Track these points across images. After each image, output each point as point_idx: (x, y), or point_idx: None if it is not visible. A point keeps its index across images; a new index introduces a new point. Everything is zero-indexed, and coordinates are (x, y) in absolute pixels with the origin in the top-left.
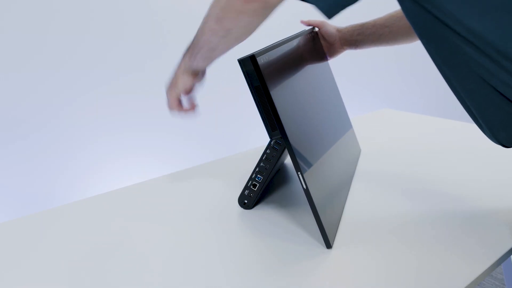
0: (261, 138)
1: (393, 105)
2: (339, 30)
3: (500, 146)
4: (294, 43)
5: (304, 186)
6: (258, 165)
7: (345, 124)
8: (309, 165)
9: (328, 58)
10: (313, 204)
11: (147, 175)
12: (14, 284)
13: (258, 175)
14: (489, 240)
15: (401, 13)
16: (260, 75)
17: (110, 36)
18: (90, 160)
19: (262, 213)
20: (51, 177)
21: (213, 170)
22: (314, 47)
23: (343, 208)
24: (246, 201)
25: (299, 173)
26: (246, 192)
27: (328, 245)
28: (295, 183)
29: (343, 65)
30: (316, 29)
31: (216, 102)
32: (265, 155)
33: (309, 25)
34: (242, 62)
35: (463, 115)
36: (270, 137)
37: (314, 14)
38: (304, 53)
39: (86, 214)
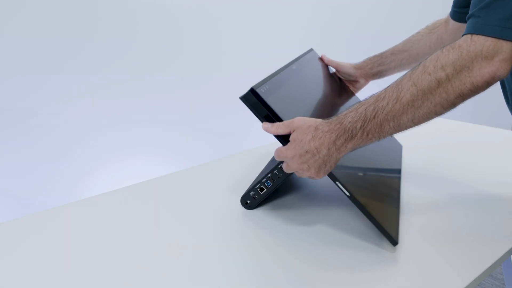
0: (261, 138)
1: None
2: (357, 67)
3: (503, 144)
4: (294, 67)
5: (347, 193)
6: (271, 171)
7: None
8: (343, 171)
9: (355, 92)
10: (361, 206)
11: (147, 175)
12: (12, 285)
13: (268, 181)
14: (490, 240)
15: (417, 36)
16: (265, 104)
17: (110, 35)
18: (90, 160)
19: (262, 213)
20: (50, 177)
21: (213, 169)
22: (315, 66)
23: (399, 207)
24: (248, 201)
25: (337, 182)
26: (251, 193)
27: (394, 242)
28: (296, 185)
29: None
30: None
31: (216, 102)
32: (280, 164)
33: (327, 64)
34: (245, 98)
35: (470, 117)
36: None
37: (312, 29)
38: (306, 74)
39: (86, 214)
